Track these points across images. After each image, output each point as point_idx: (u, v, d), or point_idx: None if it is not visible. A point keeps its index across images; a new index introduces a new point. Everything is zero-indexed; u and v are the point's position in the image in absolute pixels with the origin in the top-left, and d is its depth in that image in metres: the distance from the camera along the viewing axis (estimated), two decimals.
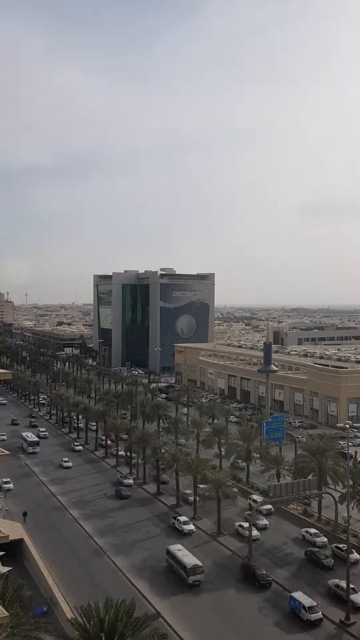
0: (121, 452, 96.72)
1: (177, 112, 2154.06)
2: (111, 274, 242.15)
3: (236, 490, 74.02)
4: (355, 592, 49.41)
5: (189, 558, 54.86)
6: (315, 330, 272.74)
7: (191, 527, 66.15)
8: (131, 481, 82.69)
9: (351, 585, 48.79)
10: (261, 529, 65.40)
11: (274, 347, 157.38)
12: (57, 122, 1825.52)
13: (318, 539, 62.49)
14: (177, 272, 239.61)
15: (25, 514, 68.10)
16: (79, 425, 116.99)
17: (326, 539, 62.56)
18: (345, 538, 55.21)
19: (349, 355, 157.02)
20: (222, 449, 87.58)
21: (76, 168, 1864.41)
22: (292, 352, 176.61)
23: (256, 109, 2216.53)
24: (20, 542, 56.23)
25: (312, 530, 64.28)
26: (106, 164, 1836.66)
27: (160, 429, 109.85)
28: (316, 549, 59.66)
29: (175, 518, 68.33)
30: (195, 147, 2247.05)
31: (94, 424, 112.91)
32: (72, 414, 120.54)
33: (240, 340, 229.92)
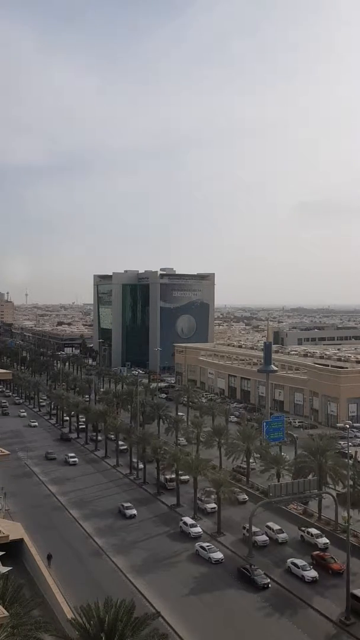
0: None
1: (175, 111, 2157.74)
2: (111, 274, 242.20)
3: (238, 490, 74.31)
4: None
5: None
6: (315, 330, 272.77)
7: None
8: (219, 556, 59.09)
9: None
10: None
11: (274, 347, 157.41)
12: (55, 121, 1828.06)
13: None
14: (177, 272, 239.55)
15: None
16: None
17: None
18: (345, 538, 55.17)
19: (349, 355, 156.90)
20: (222, 449, 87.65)
21: (76, 168, 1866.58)
22: (292, 352, 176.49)
23: (256, 108, 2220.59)
24: (20, 542, 56.26)
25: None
26: (106, 164, 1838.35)
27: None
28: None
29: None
30: (195, 146, 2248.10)
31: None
32: (72, 414, 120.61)
33: (240, 340, 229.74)
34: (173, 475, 76.61)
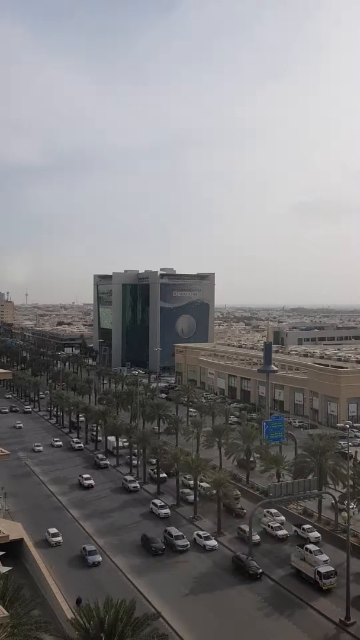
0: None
1: (175, 111, 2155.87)
2: (111, 274, 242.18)
3: (239, 493, 74.54)
4: None
5: None
6: (315, 330, 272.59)
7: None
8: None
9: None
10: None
11: (274, 347, 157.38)
12: (53, 122, 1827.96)
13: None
14: (177, 272, 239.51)
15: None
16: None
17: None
18: (345, 538, 55.20)
19: (349, 355, 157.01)
20: (222, 449, 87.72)
21: (76, 168, 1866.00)
22: (292, 352, 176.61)
23: (256, 107, 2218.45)
24: (20, 542, 56.25)
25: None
26: (106, 163, 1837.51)
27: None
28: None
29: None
30: (195, 146, 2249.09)
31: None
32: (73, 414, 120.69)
33: (240, 340, 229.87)
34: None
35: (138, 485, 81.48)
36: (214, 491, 67.72)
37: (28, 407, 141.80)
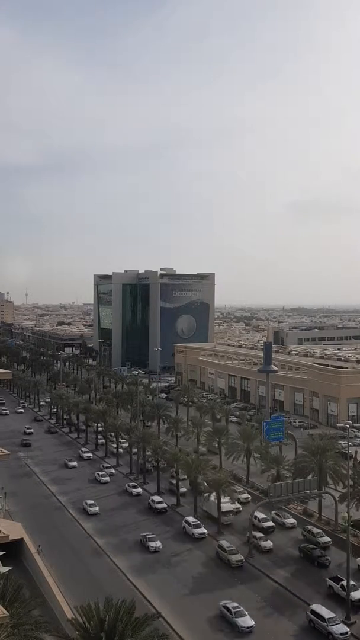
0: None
1: (175, 110, 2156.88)
2: (111, 273, 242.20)
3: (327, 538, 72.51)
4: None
5: None
6: (315, 330, 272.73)
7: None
8: None
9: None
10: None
11: (274, 347, 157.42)
12: (52, 122, 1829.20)
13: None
14: (177, 272, 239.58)
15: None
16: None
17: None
18: (345, 538, 55.16)
19: (349, 355, 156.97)
20: (222, 449, 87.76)
21: (75, 168, 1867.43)
22: (292, 352, 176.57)
23: (255, 106, 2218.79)
24: (20, 542, 56.23)
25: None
26: (106, 163, 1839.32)
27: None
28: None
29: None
30: (195, 146, 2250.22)
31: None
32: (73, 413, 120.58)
33: (240, 340, 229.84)
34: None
35: (205, 531, 64.54)
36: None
37: (137, 489, 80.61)
